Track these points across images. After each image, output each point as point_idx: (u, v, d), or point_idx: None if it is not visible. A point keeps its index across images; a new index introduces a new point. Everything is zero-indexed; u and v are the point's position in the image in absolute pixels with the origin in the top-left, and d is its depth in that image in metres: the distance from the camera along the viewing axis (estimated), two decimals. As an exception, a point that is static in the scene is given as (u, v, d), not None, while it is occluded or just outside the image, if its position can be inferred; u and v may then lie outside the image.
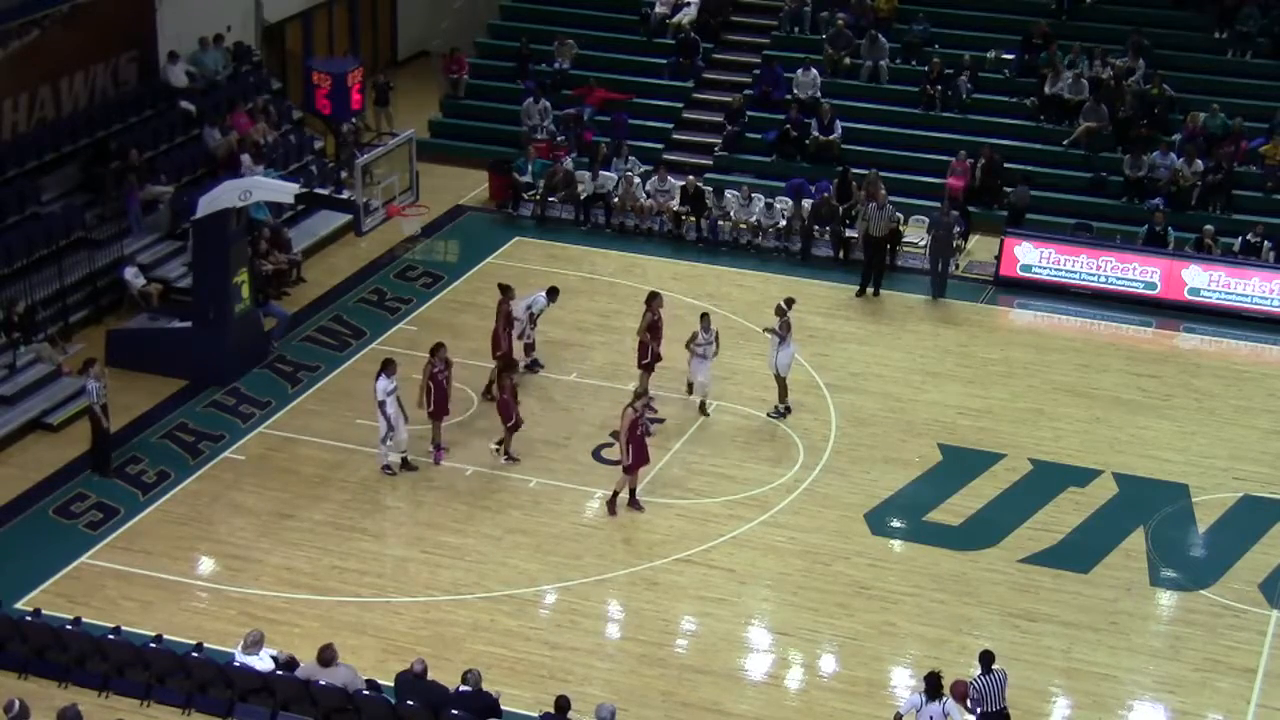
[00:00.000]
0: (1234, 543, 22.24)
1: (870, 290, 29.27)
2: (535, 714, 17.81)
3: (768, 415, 24.92)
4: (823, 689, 19.27)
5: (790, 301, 25.15)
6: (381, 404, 22.80)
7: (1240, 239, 29.63)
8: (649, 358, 24.89)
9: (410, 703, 17.21)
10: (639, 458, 22.36)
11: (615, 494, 22.56)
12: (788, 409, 24.95)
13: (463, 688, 17.34)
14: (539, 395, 25.62)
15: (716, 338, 24.50)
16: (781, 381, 24.89)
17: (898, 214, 29.86)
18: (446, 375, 23.21)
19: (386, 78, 35.85)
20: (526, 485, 23.16)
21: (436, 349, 23.36)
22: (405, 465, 23.24)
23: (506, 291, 25.36)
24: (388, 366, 22.91)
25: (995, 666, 17.51)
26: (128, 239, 28.03)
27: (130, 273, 27.45)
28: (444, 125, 35.65)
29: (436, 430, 23.53)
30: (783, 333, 24.55)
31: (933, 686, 17.08)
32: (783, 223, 31.19)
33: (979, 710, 17.32)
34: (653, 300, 24.96)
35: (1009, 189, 31.38)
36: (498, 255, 30.61)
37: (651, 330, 24.82)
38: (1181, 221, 30.48)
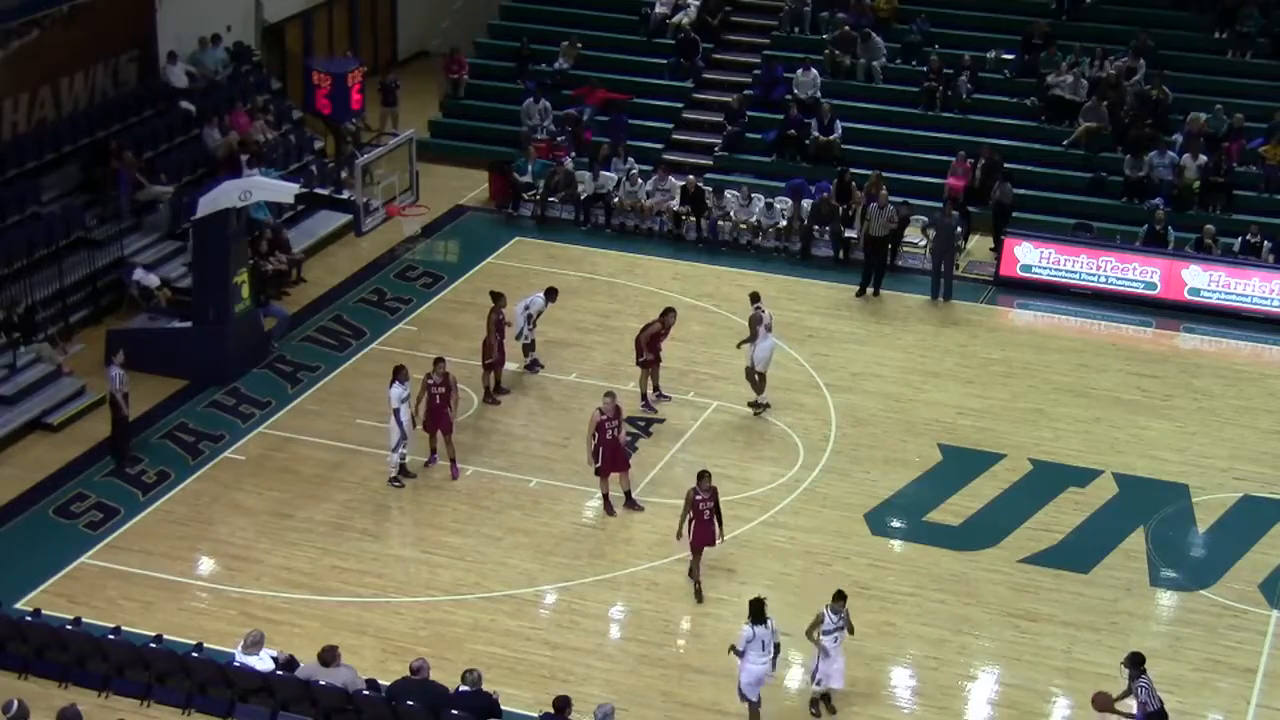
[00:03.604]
0: (1234, 543, 22.24)
1: (871, 290, 29.27)
2: (535, 714, 17.82)
3: (748, 405, 24.90)
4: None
5: (755, 296, 25.09)
6: (396, 412, 22.70)
7: (1240, 239, 29.64)
8: (642, 357, 24.87)
9: (410, 703, 17.20)
10: (609, 462, 22.25)
11: (605, 495, 22.56)
12: (765, 404, 24.93)
13: (463, 688, 17.34)
14: (539, 395, 25.63)
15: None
16: (760, 376, 24.84)
17: (900, 212, 29.78)
18: (440, 391, 22.92)
19: (394, 78, 35.87)
20: (526, 485, 23.16)
21: (436, 362, 23.20)
22: (403, 471, 23.18)
23: (498, 299, 25.29)
24: (399, 373, 22.81)
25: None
26: (128, 238, 28.03)
27: (139, 273, 27.43)
28: (444, 125, 35.66)
29: (430, 440, 23.42)
30: (755, 328, 24.54)
31: (756, 612, 17.91)
32: (783, 223, 31.19)
33: (1147, 710, 17.33)
34: (667, 315, 24.92)
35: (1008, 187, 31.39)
36: (498, 255, 30.62)
37: (651, 340, 24.78)
38: (1181, 221, 30.49)
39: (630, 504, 22.55)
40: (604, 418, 22.06)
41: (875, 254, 29.35)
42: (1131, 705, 17.52)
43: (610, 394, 22.46)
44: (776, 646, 18.11)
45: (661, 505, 22.68)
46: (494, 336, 25.03)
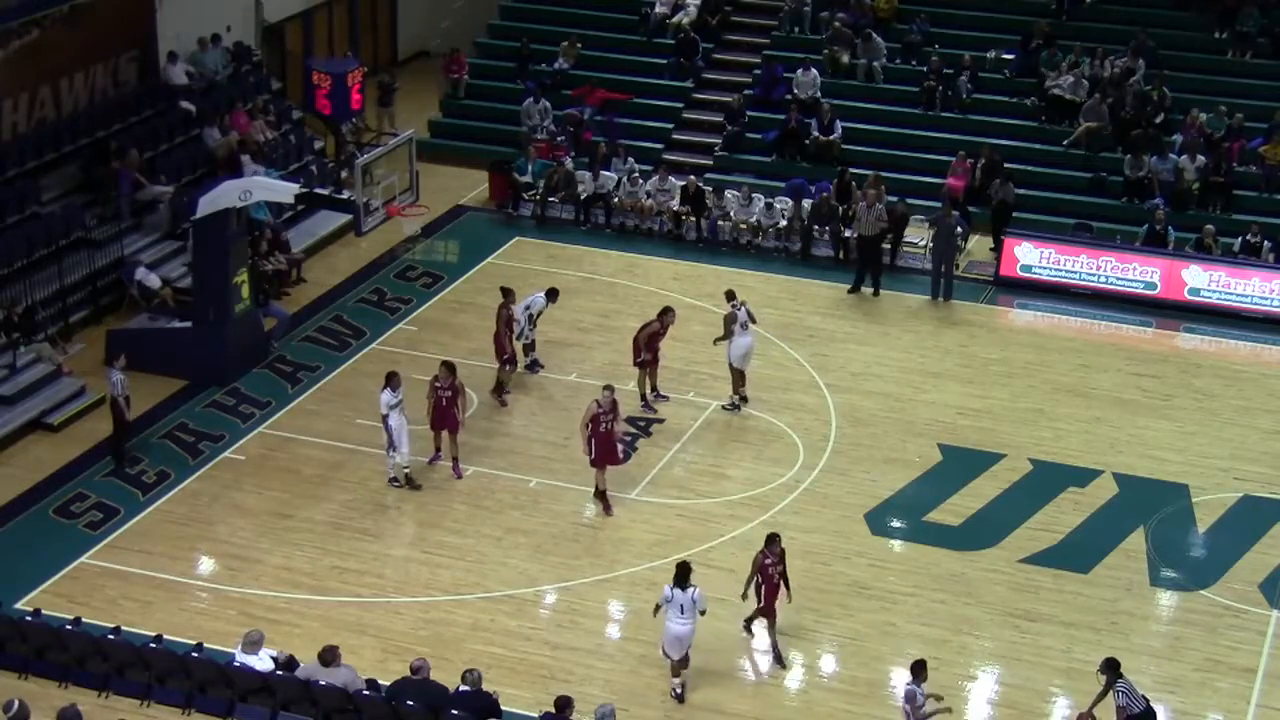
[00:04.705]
0: (1234, 543, 22.23)
1: (870, 290, 29.24)
2: (535, 714, 17.82)
3: (722, 407, 24.91)
4: (823, 689, 19.28)
5: (731, 294, 25.11)
6: (384, 417, 22.69)
7: (1240, 239, 29.64)
8: (639, 358, 24.87)
9: (410, 703, 17.20)
10: (603, 455, 22.26)
11: (602, 491, 22.57)
12: (743, 399, 24.96)
13: (463, 688, 17.34)
14: (539, 395, 25.62)
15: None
16: (736, 373, 24.84)
17: (896, 210, 29.76)
18: (448, 395, 22.90)
19: (391, 78, 35.86)
20: (526, 485, 23.15)
21: (443, 365, 23.07)
22: (409, 482, 23.11)
23: (507, 295, 25.32)
24: (391, 379, 22.73)
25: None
26: (128, 238, 28.02)
27: (141, 273, 27.43)
28: (444, 125, 35.65)
29: (435, 439, 23.43)
30: (730, 326, 24.55)
31: (681, 576, 18.54)
32: (783, 223, 31.19)
33: (1129, 713, 17.31)
34: (665, 314, 24.90)
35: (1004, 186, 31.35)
36: (498, 255, 30.61)
37: (649, 339, 24.77)
38: (1181, 221, 30.49)
39: (604, 502, 22.50)
40: (600, 410, 22.06)
41: (867, 253, 29.33)
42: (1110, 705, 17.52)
43: (609, 387, 22.42)
44: (702, 612, 18.57)
45: (661, 505, 22.70)
46: (505, 332, 25.04)
